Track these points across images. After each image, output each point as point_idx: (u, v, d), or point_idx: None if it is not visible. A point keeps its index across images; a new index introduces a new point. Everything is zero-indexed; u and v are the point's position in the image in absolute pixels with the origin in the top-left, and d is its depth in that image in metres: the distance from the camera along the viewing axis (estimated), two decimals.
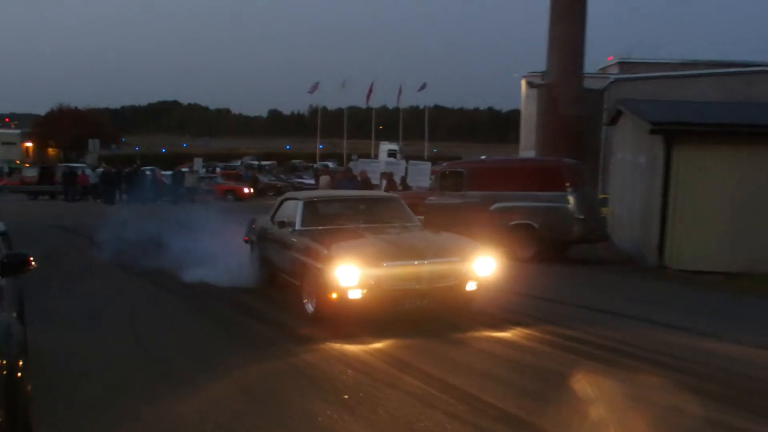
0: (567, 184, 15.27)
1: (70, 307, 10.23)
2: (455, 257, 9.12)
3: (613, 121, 20.65)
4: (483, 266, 9.22)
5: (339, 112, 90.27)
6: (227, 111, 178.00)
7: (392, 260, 8.72)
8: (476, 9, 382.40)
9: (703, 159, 14.08)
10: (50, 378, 6.54)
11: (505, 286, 10.52)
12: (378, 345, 8.09)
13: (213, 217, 16.24)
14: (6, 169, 52.00)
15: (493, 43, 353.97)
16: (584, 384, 6.54)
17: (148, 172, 38.26)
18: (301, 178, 54.11)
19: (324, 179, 26.15)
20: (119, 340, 8.35)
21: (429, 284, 8.82)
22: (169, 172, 39.21)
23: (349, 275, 8.49)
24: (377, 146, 69.19)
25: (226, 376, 6.85)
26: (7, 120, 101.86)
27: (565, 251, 16.07)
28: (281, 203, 11.76)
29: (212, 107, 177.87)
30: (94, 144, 57.30)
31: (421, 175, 38.95)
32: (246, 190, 39.67)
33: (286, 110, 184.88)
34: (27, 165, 51.75)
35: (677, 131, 14.32)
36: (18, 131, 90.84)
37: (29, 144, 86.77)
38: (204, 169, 52.65)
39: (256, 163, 70.73)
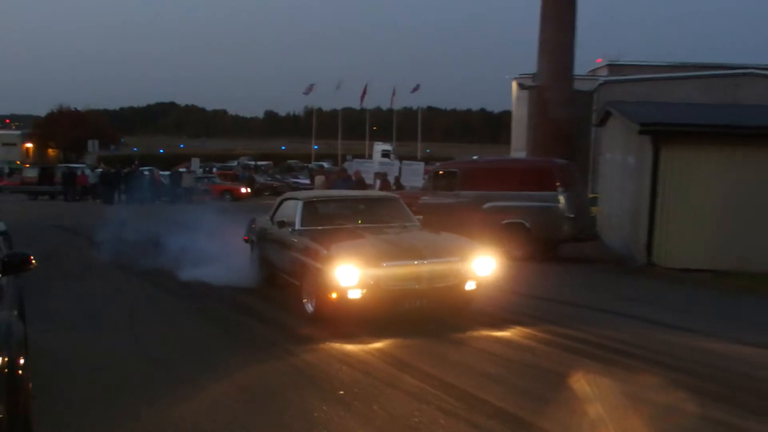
0: (558, 184, 15.49)
1: (70, 307, 10.28)
2: (454, 257, 9.10)
3: (603, 122, 20.95)
4: (482, 266, 9.19)
5: (334, 113, 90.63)
6: (224, 112, 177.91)
7: (392, 260, 8.70)
8: (469, 12, 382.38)
9: (690, 159, 14.33)
10: (50, 377, 6.61)
11: (501, 285, 10.34)
12: (377, 345, 8.07)
13: (211, 217, 16.19)
14: (6, 170, 52.12)
15: (486, 45, 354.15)
16: (583, 383, 6.58)
17: (146, 173, 38.50)
18: (296, 178, 54.35)
19: (319, 179, 26.54)
20: (119, 340, 8.36)
21: (428, 284, 8.79)
22: (166, 173, 39.47)
23: (349, 275, 8.46)
24: (371, 147, 69.30)
25: (226, 376, 6.84)
26: (7, 121, 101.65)
27: (556, 250, 16.30)
28: (281, 203, 11.73)
29: (209, 108, 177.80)
30: (93, 145, 57.46)
31: (415, 175, 39.31)
32: (243, 190, 39.88)
33: (282, 111, 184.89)
34: (27, 166, 51.82)
35: (665, 132, 14.58)
36: (18, 132, 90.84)
37: (29, 145, 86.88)
38: (201, 170, 52.86)
39: (252, 163, 70.91)
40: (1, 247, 6.66)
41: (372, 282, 8.55)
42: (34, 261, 5.28)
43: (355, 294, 8.55)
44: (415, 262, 8.79)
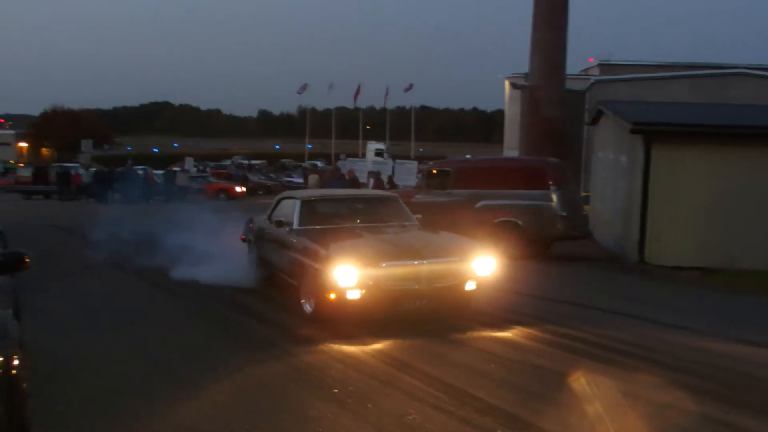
0: (550, 183, 15.62)
1: (68, 307, 10.24)
2: (454, 257, 9.00)
3: (595, 121, 21.08)
4: (482, 266, 9.09)
5: (327, 112, 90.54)
6: (218, 112, 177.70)
7: (391, 260, 8.60)
8: (462, 11, 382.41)
9: (681, 158, 14.45)
10: (50, 377, 6.62)
11: (498, 284, 10.07)
12: (377, 345, 7.99)
13: (206, 216, 16.11)
14: (1, 170, 52.15)
15: (479, 45, 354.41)
16: (583, 383, 6.57)
17: (140, 172, 38.56)
18: (290, 177, 54.54)
19: (313, 178, 26.65)
20: (118, 339, 8.33)
21: (428, 284, 8.69)
22: (160, 172, 39.52)
23: (348, 275, 8.35)
24: (365, 146, 69.36)
25: (226, 377, 6.80)
26: (2, 121, 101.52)
27: (548, 249, 16.38)
28: (278, 202, 11.61)
29: (203, 108, 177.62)
30: (87, 144, 57.48)
31: (408, 174, 39.45)
32: (238, 189, 39.90)
33: (276, 111, 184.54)
34: (21, 165, 51.84)
35: (657, 131, 14.71)
36: (13, 132, 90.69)
37: (24, 144, 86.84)
38: (195, 169, 52.92)
39: (246, 162, 71.06)
40: None
41: (371, 282, 8.46)
42: (28, 260, 5.22)
43: (354, 294, 8.45)
44: (415, 262, 8.70)
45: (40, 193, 39.15)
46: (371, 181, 26.02)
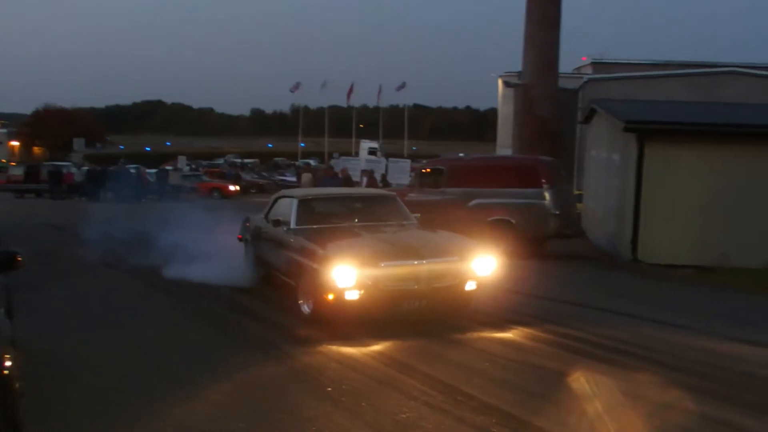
0: (543, 181, 15.60)
1: (65, 306, 10.20)
2: (454, 256, 8.88)
3: (587, 119, 21.10)
4: (482, 265, 8.99)
5: (320, 111, 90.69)
6: (210, 110, 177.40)
7: (390, 260, 8.49)
8: (454, 10, 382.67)
9: (674, 156, 14.51)
10: (49, 377, 6.62)
11: (494, 283, 9.85)
12: (376, 347, 7.89)
13: (200, 215, 15.86)
14: None
15: (472, 43, 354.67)
16: (582, 382, 6.54)
17: (132, 170, 38.49)
18: (283, 175, 54.52)
19: (306, 177, 26.63)
20: (117, 339, 8.29)
21: (427, 284, 8.59)
22: (153, 170, 39.45)
23: (346, 276, 8.23)
24: (358, 144, 69.39)
25: (225, 377, 6.75)
26: None
27: (542, 247, 16.37)
28: (275, 201, 11.46)
29: (196, 107, 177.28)
30: (79, 143, 57.37)
31: (401, 172, 39.41)
32: (232, 188, 39.82)
33: (269, 109, 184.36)
34: (13, 164, 51.73)
35: (650, 129, 14.77)
36: (4, 130, 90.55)
37: (15, 143, 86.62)
38: (188, 167, 52.86)
39: (239, 161, 71.04)
40: None
41: (370, 282, 8.34)
42: (21, 259, 5.20)
43: (352, 295, 8.33)
44: (414, 262, 8.59)
45: (31, 192, 39.07)
46: (364, 179, 25.97)
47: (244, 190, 43.06)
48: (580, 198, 20.86)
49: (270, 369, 7.12)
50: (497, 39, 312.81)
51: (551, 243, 16.51)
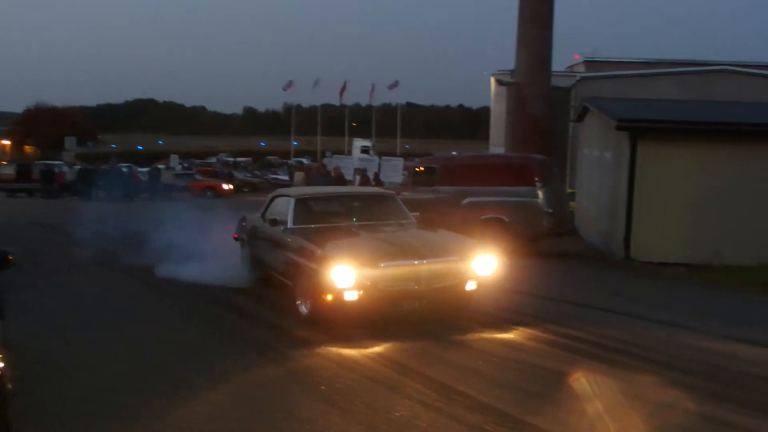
0: (536, 180, 15.65)
1: (57, 305, 10.18)
2: (455, 256, 8.77)
3: (580, 118, 21.14)
4: (483, 265, 8.88)
5: (313, 109, 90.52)
6: (203, 109, 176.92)
7: (389, 260, 8.38)
8: (447, 8, 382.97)
9: (667, 155, 14.56)
10: (45, 377, 6.61)
11: (493, 283, 9.68)
12: (376, 348, 7.76)
13: (193, 214, 15.60)
14: None
15: (464, 41, 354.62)
16: (583, 382, 6.52)
17: (124, 169, 38.39)
18: (276, 174, 54.48)
19: (298, 175, 26.70)
20: (112, 339, 8.25)
21: (427, 285, 8.48)
22: (145, 169, 39.35)
23: (345, 276, 8.12)
24: (351, 143, 69.49)
25: (221, 378, 6.67)
26: None
27: (535, 245, 16.37)
28: (272, 200, 11.31)
29: (188, 105, 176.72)
30: (71, 142, 57.20)
31: (394, 170, 39.52)
32: (225, 187, 39.69)
33: (261, 108, 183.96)
34: (4, 163, 51.48)
35: (642, 128, 14.82)
36: None
37: (6, 142, 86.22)
38: (180, 166, 52.79)
39: (231, 159, 70.97)
40: None
41: (369, 283, 8.22)
42: (12, 258, 5.21)
43: (351, 295, 8.22)
44: (415, 262, 8.48)
45: (23, 191, 38.90)
46: (357, 178, 26.01)
47: (237, 189, 42.98)
48: (572, 196, 20.87)
49: (267, 370, 7.04)
50: (490, 37, 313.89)
51: (544, 241, 16.50)
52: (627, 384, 6.53)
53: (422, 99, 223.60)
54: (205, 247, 12.45)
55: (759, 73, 30.26)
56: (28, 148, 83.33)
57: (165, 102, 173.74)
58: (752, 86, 27.80)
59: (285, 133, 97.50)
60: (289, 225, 9.81)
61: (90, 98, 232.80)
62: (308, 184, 22.88)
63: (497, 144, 36.23)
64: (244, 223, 12.16)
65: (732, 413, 5.93)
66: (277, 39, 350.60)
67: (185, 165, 56.46)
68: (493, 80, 41.80)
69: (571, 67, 41.36)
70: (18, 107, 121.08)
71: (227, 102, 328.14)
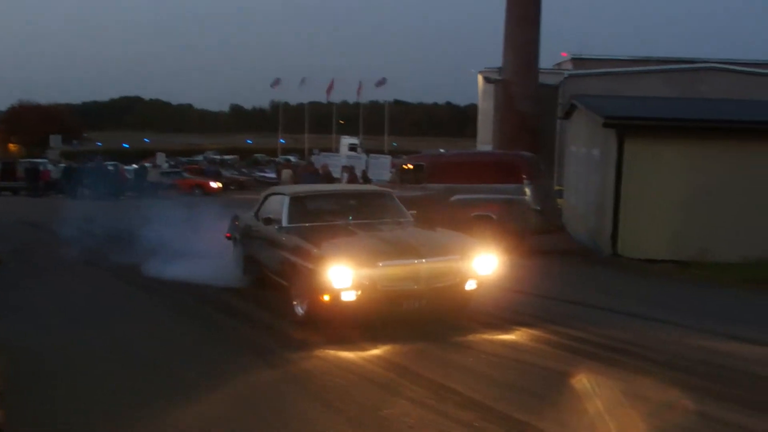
0: (524, 177, 15.66)
1: (45, 304, 10.12)
2: (454, 255, 8.61)
3: (568, 115, 21.16)
4: (483, 264, 8.73)
5: (300, 107, 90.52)
6: (189, 106, 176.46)
7: (388, 259, 8.20)
8: (434, 5, 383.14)
9: (654, 152, 14.57)
10: (33, 377, 6.59)
11: (493, 282, 9.50)
12: (375, 350, 7.59)
13: (184, 212, 15.57)
14: None
15: (452, 39, 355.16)
16: (584, 382, 6.48)
17: (110, 167, 38.21)
18: (263, 172, 54.42)
19: (286, 173, 26.62)
20: (102, 339, 8.15)
21: (427, 284, 8.31)
22: (132, 167, 39.20)
23: (343, 276, 7.93)
24: (338, 140, 69.50)
25: (219, 382, 6.54)
26: None
27: (523, 243, 16.41)
28: (266, 198, 11.12)
29: (174, 103, 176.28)
30: (56, 140, 56.95)
31: (382, 168, 39.57)
32: (214, 185, 39.52)
33: (248, 105, 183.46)
34: None
35: (630, 125, 14.79)
36: None
37: None
38: (167, 164, 52.63)
39: (218, 157, 70.90)
40: None
41: (367, 283, 8.04)
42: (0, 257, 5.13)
43: (349, 296, 8.03)
44: (414, 261, 8.30)
45: (8, 190, 38.68)
46: (345, 175, 25.96)
47: (224, 187, 42.90)
48: (560, 193, 20.91)
49: (264, 372, 6.93)
50: (478, 35, 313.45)
51: (532, 239, 16.48)
52: (627, 384, 6.50)
53: (410, 96, 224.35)
54: (196, 246, 12.31)
55: (747, 71, 30.38)
56: (12, 146, 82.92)
57: (151, 99, 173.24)
58: (740, 84, 27.92)
59: (272, 130, 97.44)
60: (284, 224, 9.63)
61: (75, 96, 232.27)
62: (296, 182, 22.79)
63: (485, 141, 36.27)
64: (237, 222, 11.95)
65: (732, 412, 5.93)
66: (265, 36, 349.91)
67: (172, 163, 56.26)
68: (480, 78, 41.81)
69: (558, 64, 41.40)
70: (2, 105, 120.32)
71: (214, 99, 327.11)
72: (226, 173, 49.41)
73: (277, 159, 72.14)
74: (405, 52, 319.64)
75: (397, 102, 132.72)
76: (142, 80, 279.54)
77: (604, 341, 8.16)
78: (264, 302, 10.06)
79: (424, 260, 8.34)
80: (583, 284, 12.59)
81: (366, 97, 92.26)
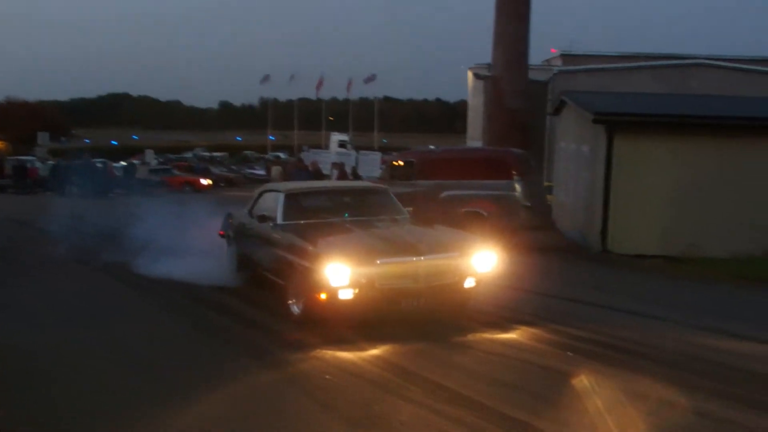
0: (514, 173, 15.66)
1: (35, 302, 10.05)
2: (454, 252, 8.48)
3: (557, 111, 21.22)
4: (482, 262, 8.61)
5: (290, 103, 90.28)
6: (178, 103, 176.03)
7: (386, 257, 8.06)
8: (424, 1, 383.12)
9: (643, 148, 14.66)
10: (27, 376, 6.54)
11: (492, 280, 9.34)
12: (374, 351, 7.45)
13: (175, 209, 15.52)
14: None
15: (442, 35, 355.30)
16: (585, 382, 6.44)
17: (99, 165, 38.05)
18: (252, 169, 54.35)
19: (275, 170, 26.53)
20: (96, 338, 8.07)
21: (426, 282, 8.18)
22: (120, 164, 39.04)
23: (340, 274, 7.80)
24: (328, 137, 69.46)
25: (218, 384, 6.40)
26: None
27: (512, 239, 16.39)
28: (260, 195, 10.97)
29: (163, 99, 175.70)
30: (43, 137, 56.69)
31: (372, 165, 39.52)
32: (204, 182, 39.37)
33: (237, 102, 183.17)
34: None
35: (619, 121, 14.90)
36: None
37: None
38: (156, 161, 52.47)
39: (207, 154, 70.77)
40: None
41: (365, 281, 7.91)
42: None
43: (346, 294, 7.89)
44: (413, 259, 8.15)
45: None
46: (335, 172, 25.89)
47: (214, 184, 42.80)
48: (550, 190, 20.92)
49: (261, 372, 6.83)
50: (467, 31, 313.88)
51: (522, 235, 16.45)
52: (628, 383, 6.49)
53: (400, 93, 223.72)
54: (188, 244, 12.19)
55: (737, 67, 30.47)
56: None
57: (139, 96, 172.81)
58: (729, 80, 28.00)
59: (261, 127, 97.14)
60: (279, 221, 9.49)
61: (62, 93, 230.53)
62: (285, 179, 22.70)
63: (475, 138, 36.25)
64: (230, 220, 11.79)
65: (731, 410, 5.94)
66: (254, 33, 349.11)
67: (161, 160, 56.10)
68: (470, 74, 41.80)
69: (548, 60, 41.43)
70: None
71: (203, 96, 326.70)
72: (215, 170, 49.32)
73: (266, 156, 72.00)
74: (394, 49, 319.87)
75: (386, 98, 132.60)
76: (130, 77, 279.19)
77: (604, 339, 8.11)
78: (258, 301, 9.93)
79: (423, 258, 8.21)
80: (577, 281, 12.59)
81: (355, 94, 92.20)
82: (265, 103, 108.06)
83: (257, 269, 10.28)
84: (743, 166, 14.55)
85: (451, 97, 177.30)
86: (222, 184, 43.82)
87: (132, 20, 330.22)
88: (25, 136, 72.14)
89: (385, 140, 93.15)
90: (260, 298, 10.03)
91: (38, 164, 41.53)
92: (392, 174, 17.34)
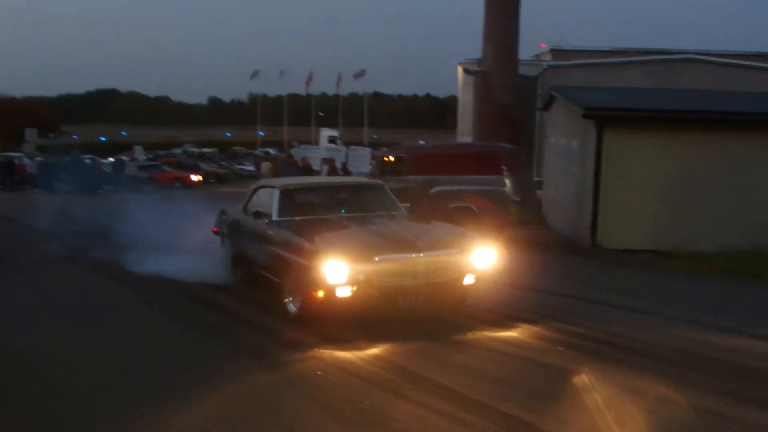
0: (504, 168, 15.72)
1: (28, 300, 10.01)
2: (452, 249, 8.38)
3: (547, 106, 21.25)
4: (482, 258, 8.52)
5: (279, 99, 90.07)
6: (167, 99, 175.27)
7: (384, 254, 7.95)
8: None
9: (633, 143, 14.70)
10: (23, 376, 6.54)
11: (492, 277, 9.27)
12: (373, 350, 7.36)
13: (166, 206, 15.49)
14: None
15: (432, 30, 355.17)
16: (584, 379, 6.43)
17: (87, 161, 37.87)
18: (242, 165, 54.23)
19: (265, 166, 26.51)
20: (92, 337, 8.04)
21: (425, 279, 8.08)
22: (109, 161, 38.86)
23: (337, 271, 7.69)
24: (317, 133, 69.39)
25: (218, 384, 6.35)
26: None
27: (503, 234, 16.40)
28: (254, 191, 10.82)
29: (152, 95, 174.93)
30: (31, 133, 56.39)
31: (362, 160, 39.49)
32: (194, 178, 39.21)
33: (226, 98, 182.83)
34: None
35: (609, 116, 14.91)
36: None
37: None
38: (145, 157, 52.30)
39: (196, 150, 70.56)
40: None
41: (363, 278, 7.81)
42: None
43: (344, 292, 7.79)
44: (412, 256, 8.05)
45: None
46: (325, 168, 25.87)
47: (204, 180, 42.65)
48: (539, 185, 20.97)
49: (259, 372, 6.77)
50: (457, 26, 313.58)
51: (512, 230, 16.49)
52: (627, 379, 6.50)
53: (389, 88, 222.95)
54: (181, 241, 12.08)
55: (726, 62, 30.62)
56: None
57: (128, 92, 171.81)
58: (719, 75, 28.18)
59: (251, 123, 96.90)
60: (275, 217, 9.39)
61: (50, 89, 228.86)
62: (275, 175, 22.69)
63: (465, 133, 36.27)
64: (224, 217, 11.66)
65: (729, 406, 5.96)
66: (243, 28, 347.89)
67: (150, 156, 55.88)
68: (460, 69, 41.81)
69: (537, 56, 41.46)
70: None
71: (192, 92, 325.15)
72: (204, 166, 49.10)
73: (256, 152, 71.85)
74: (384, 44, 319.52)
75: (376, 94, 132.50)
76: (119, 73, 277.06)
77: (601, 336, 8.10)
78: (253, 299, 9.83)
79: (421, 255, 8.10)
80: (569, 276, 12.61)
81: (345, 89, 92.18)
82: (254, 98, 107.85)
83: (252, 267, 10.14)
84: (732, 161, 14.62)
85: (441, 92, 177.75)
86: (212, 180, 43.64)
87: (119, 16, 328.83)
88: (13, 133, 71.80)
89: (375, 136, 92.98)
90: (255, 296, 9.91)
91: (26, 161, 41.29)
92: (382, 169, 17.32)
